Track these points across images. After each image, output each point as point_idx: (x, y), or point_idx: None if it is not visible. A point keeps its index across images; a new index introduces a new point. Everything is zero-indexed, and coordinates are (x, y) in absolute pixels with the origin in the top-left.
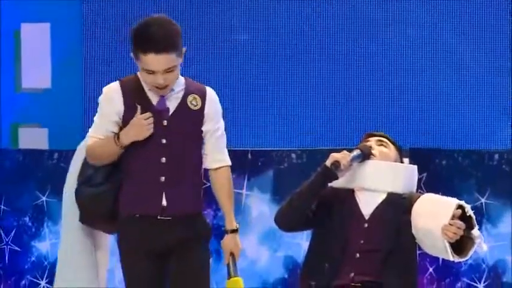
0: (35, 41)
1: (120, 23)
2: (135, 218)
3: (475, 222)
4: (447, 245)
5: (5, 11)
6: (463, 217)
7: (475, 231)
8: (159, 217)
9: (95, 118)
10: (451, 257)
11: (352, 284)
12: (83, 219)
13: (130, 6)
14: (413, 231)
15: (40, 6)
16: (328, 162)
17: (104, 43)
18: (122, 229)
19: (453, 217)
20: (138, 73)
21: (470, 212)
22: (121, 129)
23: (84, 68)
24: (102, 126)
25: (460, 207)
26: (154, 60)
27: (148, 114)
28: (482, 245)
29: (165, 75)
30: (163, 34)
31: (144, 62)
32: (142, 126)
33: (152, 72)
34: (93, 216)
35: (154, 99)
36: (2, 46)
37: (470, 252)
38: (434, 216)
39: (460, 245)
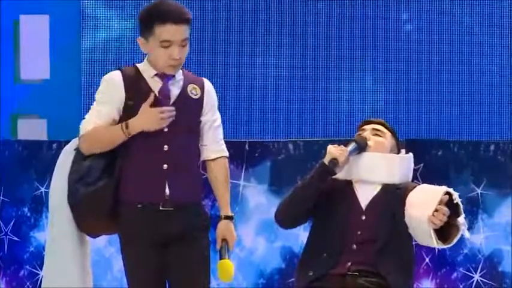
0: (34, 32)
1: (119, 15)
2: (137, 208)
3: (462, 210)
4: (432, 231)
5: (4, 2)
6: (451, 205)
7: (461, 219)
8: (161, 208)
9: (93, 106)
10: (435, 243)
11: (349, 272)
12: (80, 222)
13: None
14: (406, 220)
15: None
16: (326, 160)
17: (102, 34)
18: (123, 219)
19: (440, 202)
20: (140, 64)
21: (457, 199)
22: (121, 119)
23: (82, 59)
24: (105, 112)
25: (447, 194)
26: (172, 30)
27: (166, 108)
28: (466, 232)
29: (180, 48)
30: (180, 7)
31: (162, 33)
32: (156, 116)
33: (168, 46)
34: (91, 216)
35: (155, 88)
36: (1, 38)
37: (455, 240)
38: (423, 204)
39: (447, 233)
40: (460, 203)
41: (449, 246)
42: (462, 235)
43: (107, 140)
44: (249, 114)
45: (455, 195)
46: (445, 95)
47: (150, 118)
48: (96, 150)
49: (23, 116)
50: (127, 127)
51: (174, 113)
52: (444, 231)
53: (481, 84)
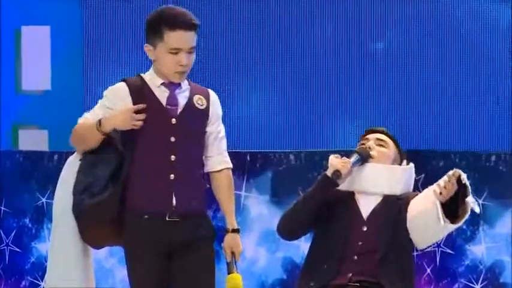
0: (35, 43)
1: (120, 26)
2: (143, 219)
3: (470, 190)
4: (438, 205)
5: (6, 13)
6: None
7: (469, 198)
8: (167, 218)
9: (95, 106)
10: (441, 219)
11: (350, 283)
12: (84, 232)
13: (130, 9)
14: (408, 225)
15: (40, 9)
16: (328, 172)
17: (104, 45)
18: (128, 229)
19: (449, 178)
20: (144, 74)
21: (465, 180)
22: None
23: (84, 70)
24: (100, 116)
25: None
26: (182, 37)
27: (140, 106)
28: (475, 207)
29: (187, 55)
30: (188, 13)
31: (171, 40)
32: (127, 115)
33: (176, 52)
34: (96, 226)
35: (162, 97)
36: (3, 48)
37: (463, 220)
38: (426, 195)
39: (454, 216)
40: (468, 184)
41: (457, 226)
42: (466, 249)
43: (85, 137)
44: (250, 125)
45: (464, 176)
46: (446, 105)
47: (122, 116)
48: (80, 146)
49: (24, 127)
50: (100, 124)
51: (143, 115)
52: (452, 215)
53: (482, 95)
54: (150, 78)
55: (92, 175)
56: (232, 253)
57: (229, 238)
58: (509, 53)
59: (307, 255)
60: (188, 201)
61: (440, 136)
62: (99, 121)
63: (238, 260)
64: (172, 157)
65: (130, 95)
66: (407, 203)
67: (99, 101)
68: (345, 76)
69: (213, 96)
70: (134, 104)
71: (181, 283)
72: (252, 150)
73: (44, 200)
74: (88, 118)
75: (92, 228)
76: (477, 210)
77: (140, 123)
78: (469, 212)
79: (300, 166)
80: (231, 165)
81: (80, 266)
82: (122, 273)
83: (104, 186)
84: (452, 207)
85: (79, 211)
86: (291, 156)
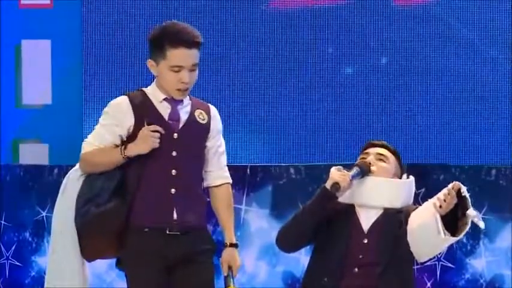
0: (36, 57)
1: (120, 40)
2: (144, 232)
3: (470, 203)
4: (438, 218)
5: (6, 27)
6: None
7: (470, 211)
8: (168, 232)
9: (96, 127)
10: (441, 232)
11: None
12: (85, 242)
13: (130, 24)
14: (408, 237)
15: (41, 23)
16: (327, 184)
17: (104, 59)
18: (129, 242)
19: (448, 192)
20: (146, 88)
21: (465, 192)
22: (122, 141)
23: (84, 84)
24: (106, 136)
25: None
26: (184, 54)
27: (154, 126)
28: (479, 222)
29: (189, 72)
30: (192, 30)
31: (173, 57)
32: (148, 138)
33: (178, 70)
34: (99, 236)
35: (164, 113)
36: (3, 62)
37: (463, 233)
38: (426, 207)
39: (454, 229)
40: (468, 196)
41: (457, 239)
42: (466, 260)
43: (104, 162)
44: (251, 139)
45: (463, 189)
46: (447, 119)
47: (145, 141)
48: (94, 170)
49: (24, 141)
50: (125, 148)
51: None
52: (452, 228)
53: (482, 109)
54: (153, 92)
55: (96, 188)
56: (230, 267)
57: (226, 252)
58: (510, 66)
59: (307, 268)
60: (188, 216)
61: (441, 150)
62: (125, 147)
63: (236, 275)
64: (173, 171)
65: (132, 109)
66: (408, 216)
67: (100, 120)
68: (345, 89)
69: (214, 111)
70: (136, 117)
71: None
72: (253, 164)
73: (44, 214)
74: (91, 142)
75: (94, 238)
76: (482, 225)
77: (157, 142)
78: (469, 225)
79: (300, 180)
80: (230, 181)
81: (77, 280)
82: (122, 287)
83: (108, 198)
84: (452, 220)
85: (84, 220)
86: (291, 170)
